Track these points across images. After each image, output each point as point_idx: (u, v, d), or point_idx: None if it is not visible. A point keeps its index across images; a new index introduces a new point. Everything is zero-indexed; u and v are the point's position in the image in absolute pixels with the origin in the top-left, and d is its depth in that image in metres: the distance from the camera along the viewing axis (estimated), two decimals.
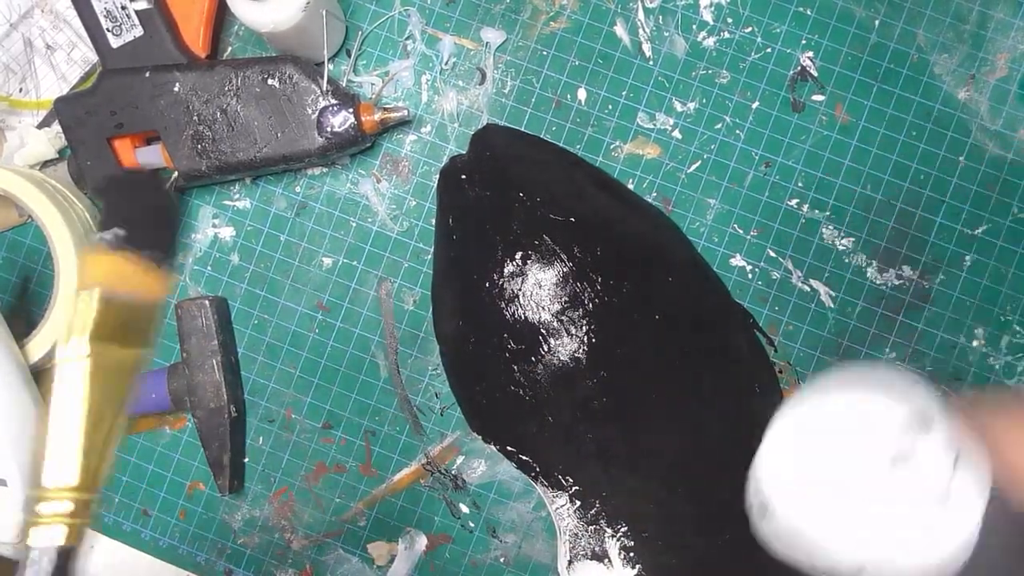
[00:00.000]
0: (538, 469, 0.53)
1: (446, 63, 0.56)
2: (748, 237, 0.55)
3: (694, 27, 0.55)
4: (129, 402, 0.35)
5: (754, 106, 0.55)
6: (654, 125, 0.55)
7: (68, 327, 0.33)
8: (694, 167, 0.55)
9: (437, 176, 0.55)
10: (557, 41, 0.55)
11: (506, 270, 0.51)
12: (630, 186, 0.55)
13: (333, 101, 0.52)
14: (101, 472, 0.34)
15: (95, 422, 0.33)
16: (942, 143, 0.54)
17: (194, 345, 0.53)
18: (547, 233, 0.51)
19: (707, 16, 0.55)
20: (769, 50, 0.55)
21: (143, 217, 0.36)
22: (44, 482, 0.33)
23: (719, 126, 0.55)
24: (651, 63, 0.55)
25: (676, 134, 0.55)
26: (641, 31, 0.55)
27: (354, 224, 0.56)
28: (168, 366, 0.55)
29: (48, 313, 0.52)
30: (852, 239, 0.54)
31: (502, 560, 0.55)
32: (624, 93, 0.55)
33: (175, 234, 0.36)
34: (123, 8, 0.51)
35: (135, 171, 0.39)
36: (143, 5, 0.51)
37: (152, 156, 0.53)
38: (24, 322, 0.55)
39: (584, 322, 0.51)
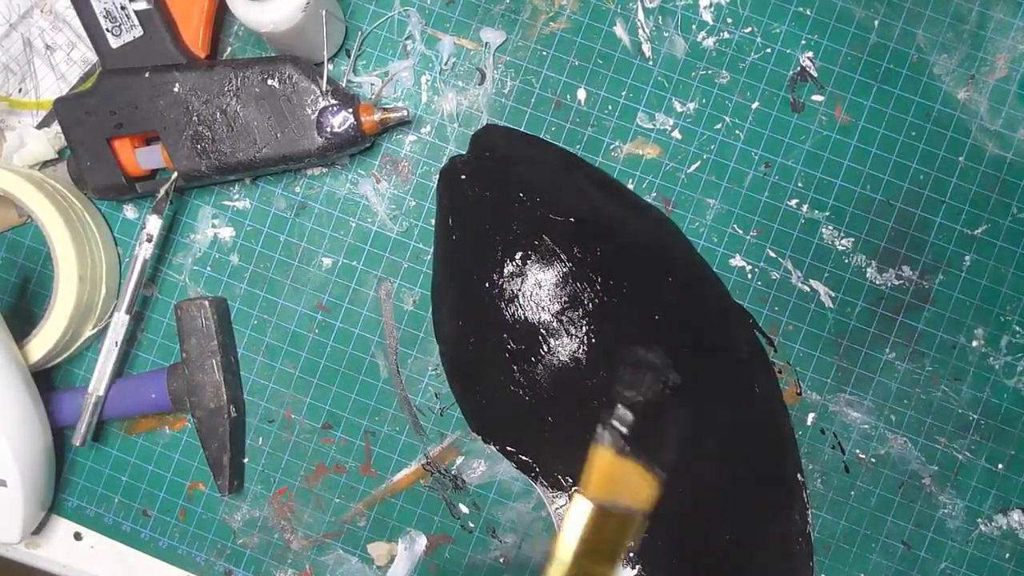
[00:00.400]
0: (538, 469, 0.53)
1: (446, 63, 0.56)
2: (748, 237, 0.55)
3: (694, 27, 0.55)
4: None
5: (754, 106, 0.55)
6: (654, 125, 0.55)
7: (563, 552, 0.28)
8: (694, 167, 0.55)
9: (437, 176, 0.55)
10: (557, 41, 0.55)
11: (506, 270, 0.51)
12: (630, 186, 0.55)
13: (333, 101, 0.52)
14: None
15: None
16: (942, 143, 0.54)
17: (194, 345, 0.53)
18: (547, 233, 0.51)
19: (707, 16, 0.55)
20: (769, 50, 0.55)
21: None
22: None
23: (719, 126, 0.55)
24: (651, 63, 0.55)
25: (676, 134, 0.55)
26: (641, 31, 0.55)
27: (354, 224, 0.56)
28: (168, 366, 0.55)
29: (47, 313, 0.52)
30: (852, 239, 0.54)
31: (502, 560, 0.55)
32: (624, 93, 0.55)
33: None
34: (122, 8, 0.51)
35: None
36: (142, 5, 0.51)
37: (152, 156, 0.53)
38: (24, 322, 0.55)
39: (584, 322, 0.51)
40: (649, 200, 0.55)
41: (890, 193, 0.54)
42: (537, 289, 0.51)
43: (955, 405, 0.54)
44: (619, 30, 0.55)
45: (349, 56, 0.56)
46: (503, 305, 0.51)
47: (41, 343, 0.53)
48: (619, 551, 0.31)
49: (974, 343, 0.54)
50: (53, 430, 0.54)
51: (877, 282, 0.54)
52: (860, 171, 0.54)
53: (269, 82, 0.52)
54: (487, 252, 0.51)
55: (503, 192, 0.52)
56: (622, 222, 0.53)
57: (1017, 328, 0.54)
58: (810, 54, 0.54)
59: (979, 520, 0.54)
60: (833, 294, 0.54)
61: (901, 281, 0.54)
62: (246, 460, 0.56)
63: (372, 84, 0.56)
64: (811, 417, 0.54)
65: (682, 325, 0.53)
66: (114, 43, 0.52)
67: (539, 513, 0.55)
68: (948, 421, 0.54)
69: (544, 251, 0.51)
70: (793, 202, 0.55)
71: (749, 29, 0.55)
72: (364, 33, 0.56)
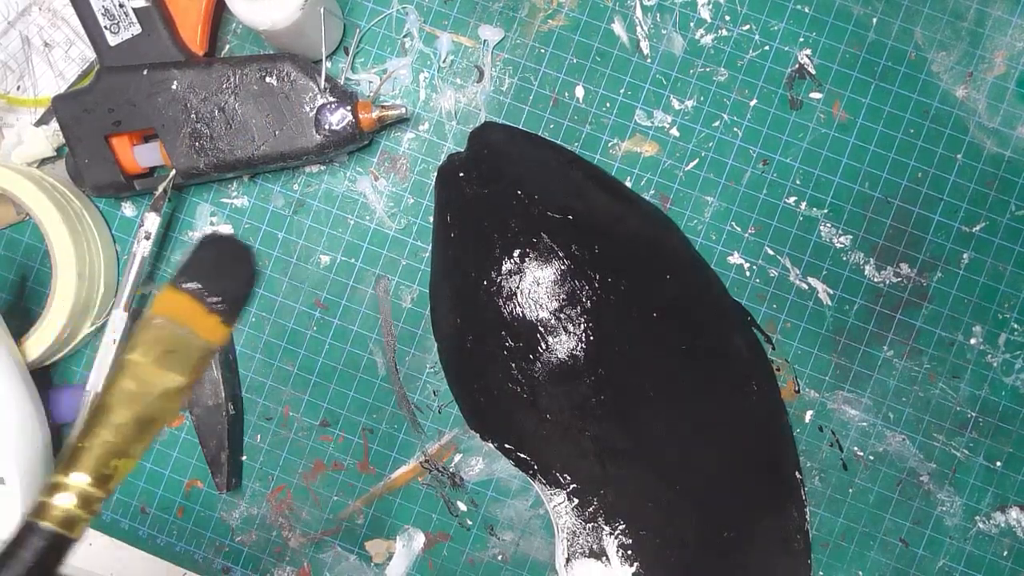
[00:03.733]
0: (536, 467, 0.53)
1: (444, 61, 0.56)
2: (746, 235, 0.55)
3: (692, 24, 0.55)
4: (156, 430, 0.37)
5: (752, 104, 0.55)
6: (652, 123, 0.55)
7: (132, 343, 0.36)
8: (692, 165, 0.55)
9: (435, 174, 0.55)
10: (555, 39, 0.55)
11: (504, 268, 0.51)
12: (628, 184, 0.55)
13: (331, 99, 0.52)
14: (114, 476, 0.36)
15: (121, 426, 0.35)
16: (940, 141, 0.54)
17: None
18: (545, 231, 0.51)
19: (705, 14, 0.55)
20: (767, 48, 0.55)
21: (221, 274, 0.38)
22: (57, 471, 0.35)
23: (717, 124, 0.55)
24: (649, 61, 0.55)
25: (674, 132, 0.55)
26: (639, 28, 0.55)
27: (352, 222, 0.56)
28: None
29: (46, 310, 0.52)
30: (850, 237, 0.54)
31: (500, 558, 0.55)
32: (622, 91, 0.55)
33: (246, 297, 0.39)
34: (121, 6, 0.51)
35: (227, 237, 0.41)
36: (141, 3, 0.51)
37: (150, 154, 0.53)
38: (22, 320, 0.55)
39: (582, 320, 0.51)
40: (647, 198, 0.55)
41: (888, 191, 0.54)
42: (535, 287, 0.51)
43: (953, 403, 0.54)
44: (617, 27, 0.55)
45: (347, 54, 0.56)
46: (501, 303, 0.51)
47: (39, 340, 0.53)
48: (176, 363, 0.36)
49: (972, 340, 0.54)
50: (51, 427, 0.54)
51: (875, 279, 0.54)
52: (858, 169, 0.54)
53: (267, 80, 0.52)
54: (485, 250, 0.51)
55: (501, 189, 0.52)
56: (620, 220, 0.53)
57: (1015, 325, 0.54)
58: (808, 51, 0.55)
59: (977, 518, 0.54)
60: (831, 292, 0.54)
61: (899, 278, 0.54)
62: (244, 458, 0.56)
63: (370, 82, 0.56)
64: (809, 415, 0.54)
65: (680, 323, 0.53)
66: (112, 40, 0.52)
67: (537, 511, 0.55)
68: (946, 419, 0.54)
69: (542, 249, 0.51)
70: (791, 200, 0.55)
71: (747, 26, 0.55)
72: (362, 31, 0.56)
